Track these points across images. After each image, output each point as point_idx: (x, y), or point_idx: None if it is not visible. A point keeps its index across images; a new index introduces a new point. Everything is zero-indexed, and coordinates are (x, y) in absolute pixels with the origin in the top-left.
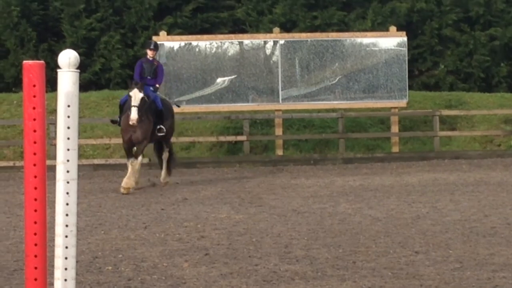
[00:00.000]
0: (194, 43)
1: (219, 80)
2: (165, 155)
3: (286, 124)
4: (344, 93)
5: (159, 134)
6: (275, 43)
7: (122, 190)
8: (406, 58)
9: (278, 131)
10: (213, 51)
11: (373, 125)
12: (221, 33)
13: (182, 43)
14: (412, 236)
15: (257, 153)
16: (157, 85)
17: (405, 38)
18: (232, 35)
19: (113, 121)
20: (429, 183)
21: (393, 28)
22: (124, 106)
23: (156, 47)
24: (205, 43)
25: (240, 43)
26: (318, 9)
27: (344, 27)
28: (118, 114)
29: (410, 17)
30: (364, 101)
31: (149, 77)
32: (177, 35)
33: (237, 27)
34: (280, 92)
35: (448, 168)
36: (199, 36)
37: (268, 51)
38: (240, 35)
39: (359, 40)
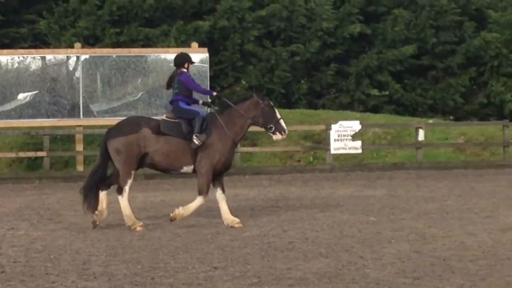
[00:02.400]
0: None
1: (21, 95)
2: None
3: (87, 140)
4: (145, 108)
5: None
6: (77, 58)
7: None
8: (208, 74)
9: (79, 147)
10: (14, 66)
11: None
12: (22, 47)
13: None
14: (211, 251)
15: (57, 169)
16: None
17: (207, 55)
18: (33, 50)
19: None
20: (229, 198)
21: (195, 45)
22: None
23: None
24: (6, 58)
25: (42, 58)
26: (121, 25)
27: (148, 43)
28: None
29: (212, 34)
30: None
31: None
32: None
33: (39, 41)
34: (82, 108)
35: (248, 184)
36: None
37: (70, 66)
38: (42, 50)
39: (161, 56)
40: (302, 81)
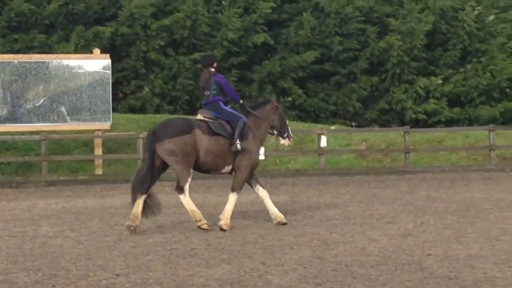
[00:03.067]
0: None
1: None
2: None
3: None
4: (47, 115)
5: None
6: None
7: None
8: (110, 81)
9: None
10: None
11: (77, 147)
12: None
13: None
14: (113, 258)
15: None
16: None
17: (109, 61)
18: None
19: None
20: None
21: (97, 51)
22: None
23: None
24: None
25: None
26: (20, 32)
27: (47, 49)
28: None
29: (114, 41)
30: (68, 124)
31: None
32: None
33: None
34: None
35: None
36: None
37: None
38: None
39: (63, 62)
40: None
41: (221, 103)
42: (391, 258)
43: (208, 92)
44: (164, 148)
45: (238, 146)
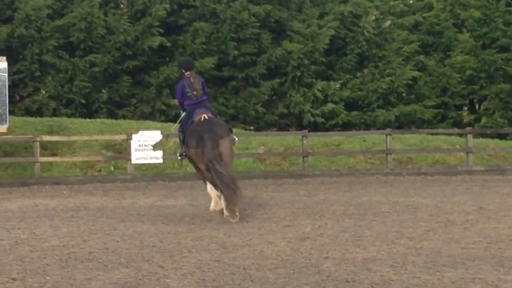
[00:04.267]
0: None
1: None
2: None
3: None
4: None
5: None
6: None
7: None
8: (7, 83)
9: None
10: None
11: None
12: None
13: None
14: (10, 262)
15: None
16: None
17: (6, 63)
18: None
19: None
20: (29, 209)
21: None
22: None
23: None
24: None
25: None
26: None
27: None
28: None
29: (10, 42)
30: None
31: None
32: None
33: None
34: None
35: (48, 194)
36: None
37: None
38: None
39: None
40: (103, 90)
41: (207, 102)
42: (289, 261)
43: (196, 92)
44: (229, 141)
45: (236, 139)
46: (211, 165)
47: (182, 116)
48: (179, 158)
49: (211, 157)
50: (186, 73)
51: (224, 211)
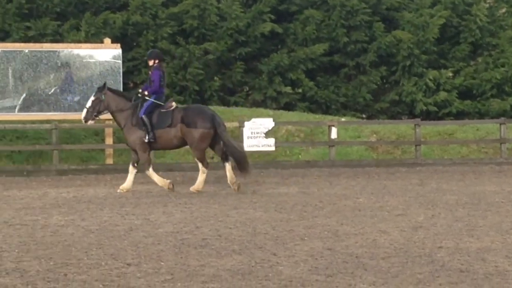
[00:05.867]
0: None
1: None
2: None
3: None
4: (58, 104)
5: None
6: None
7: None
8: (121, 70)
9: None
10: None
11: (87, 136)
12: None
13: None
14: (125, 248)
15: None
16: (140, 91)
17: (120, 51)
18: None
19: None
20: (143, 195)
21: (107, 40)
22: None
23: (150, 55)
24: None
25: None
26: (32, 19)
27: (58, 37)
28: None
29: (125, 30)
30: (78, 113)
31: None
32: None
33: None
34: None
35: None
36: None
37: None
38: None
39: (74, 51)
40: (215, 78)
41: None
42: (402, 250)
43: (164, 83)
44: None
45: None
46: (229, 142)
47: (148, 101)
48: (146, 140)
49: (228, 135)
50: (160, 64)
51: (230, 182)
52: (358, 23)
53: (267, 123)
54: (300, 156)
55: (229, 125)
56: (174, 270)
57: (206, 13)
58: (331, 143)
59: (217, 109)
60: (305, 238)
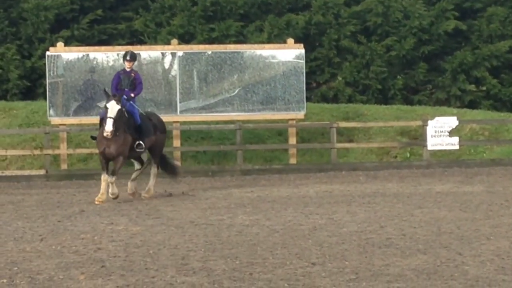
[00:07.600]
0: (91, 54)
1: None
2: (153, 171)
3: (184, 136)
4: (242, 105)
5: (138, 151)
6: (173, 55)
7: (96, 202)
8: (304, 70)
9: (176, 142)
10: (110, 63)
11: (271, 136)
12: (119, 44)
13: (80, 55)
14: (309, 247)
15: None
16: (132, 95)
17: (303, 51)
18: (130, 47)
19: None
20: (326, 194)
21: (290, 41)
22: (102, 120)
23: (133, 58)
24: (102, 55)
25: (138, 55)
26: (216, 21)
27: (241, 39)
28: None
29: (308, 30)
30: (262, 113)
31: (126, 89)
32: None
33: (135, 39)
34: (178, 104)
35: (345, 180)
36: (96, 47)
37: (166, 63)
38: (138, 46)
39: (257, 52)
40: (398, 76)
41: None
42: None
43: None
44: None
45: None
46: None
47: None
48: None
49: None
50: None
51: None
52: None
53: (451, 121)
54: (484, 154)
55: (412, 124)
56: (358, 269)
57: (390, 10)
58: None
59: (400, 108)
60: (491, 238)
